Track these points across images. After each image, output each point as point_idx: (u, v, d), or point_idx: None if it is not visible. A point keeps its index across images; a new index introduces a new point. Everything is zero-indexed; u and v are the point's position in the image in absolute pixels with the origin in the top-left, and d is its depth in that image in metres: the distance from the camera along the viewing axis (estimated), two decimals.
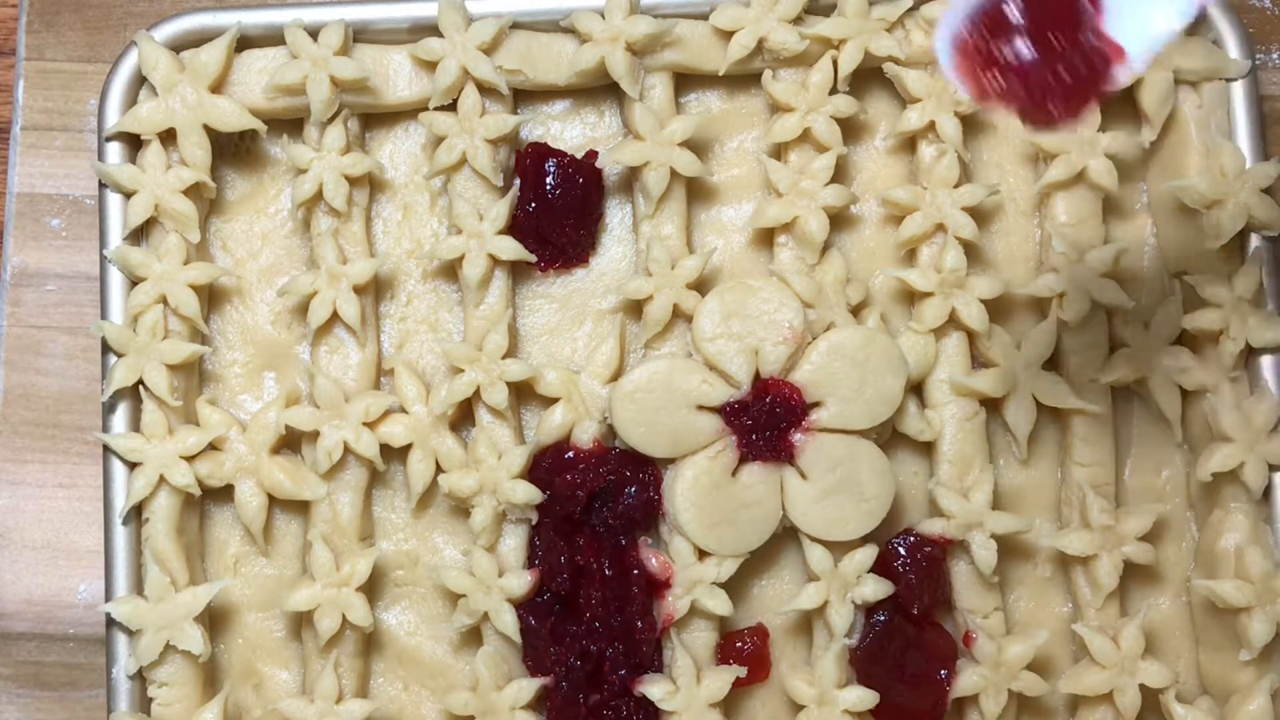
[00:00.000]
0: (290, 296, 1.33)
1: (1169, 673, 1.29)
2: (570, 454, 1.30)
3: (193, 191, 1.32)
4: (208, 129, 1.32)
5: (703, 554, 1.28)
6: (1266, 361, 1.31)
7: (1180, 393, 1.33)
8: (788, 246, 1.34)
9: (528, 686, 1.28)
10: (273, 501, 1.32)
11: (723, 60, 1.33)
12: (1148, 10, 1.02)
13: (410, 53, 1.34)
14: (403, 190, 1.38)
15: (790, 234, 1.33)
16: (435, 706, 1.33)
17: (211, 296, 1.36)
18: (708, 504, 1.27)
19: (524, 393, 1.34)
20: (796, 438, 1.27)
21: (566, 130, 1.39)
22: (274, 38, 1.34)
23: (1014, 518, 1.29)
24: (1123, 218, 1.38)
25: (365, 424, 1.30)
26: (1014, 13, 1.01)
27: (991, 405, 1.33)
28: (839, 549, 1.28)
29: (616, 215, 1.38)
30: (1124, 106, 1.36)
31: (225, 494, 1.32)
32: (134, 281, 1.32)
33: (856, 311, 1.32)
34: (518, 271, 1.36)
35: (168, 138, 1.32)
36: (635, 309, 1.34)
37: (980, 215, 1.34)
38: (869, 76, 1.36)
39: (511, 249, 1.32)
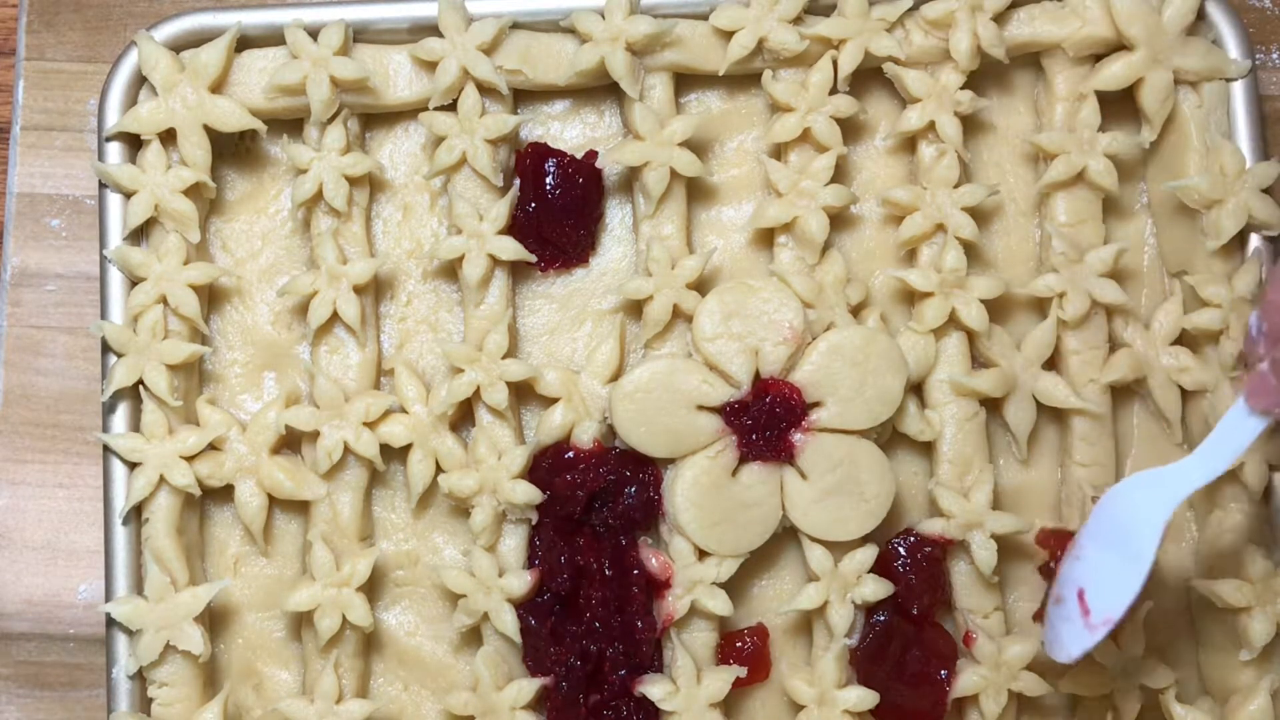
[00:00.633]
0: (290, 296, 1.33)
1: (1169, 673, 1.29)
2: (570, 454, 1.30)
3: (193, 191, 1.32)
4: (208, 129, 1.32)
5: (703, 554, 1.28)
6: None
7: (1180, 393, 1.33)
8: (788, 246, 1.34)
9: (528, 686, 1.28)
10: (273, 501, 1.32)
11: (723, 60, 1.33)
12: None
13: (410, 53, 1.34)
14: (403, 190, 1.38)
15: (790, 234, 1.33)
16: (435, 706, 1.33)
17: (211, 296, 1.36)
18: (708, 504, 1.27)
19: (524, 393, 1.34)
20: (796, 438, 1.27)
21: (566, 130, 1.39)
22: (274, 38, 1.34)
23: (1014, 518, 1.29)
24: (1123, 218, 1.38)
25: (365, 424, 1.30)
26: None
27: (991, 405, 1.33)
28: (839, 549, 1.28)
29: (616, 215, 1.38)
30: (1124, 106, 1.36)
31: (225, 494, 1.32)
32: (134, 281, 1.32)
33: (856, 311, 1.32)
34: (518, 271, 1.36)
35: (168, 138, 1.32)
36: (635, 309, 1.34)
37: (980, 215, 1.34)
38: (869, 76, 1.36)
39: (511, 249, 1.32)
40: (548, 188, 1.34)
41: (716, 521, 1.27)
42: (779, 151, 1.36)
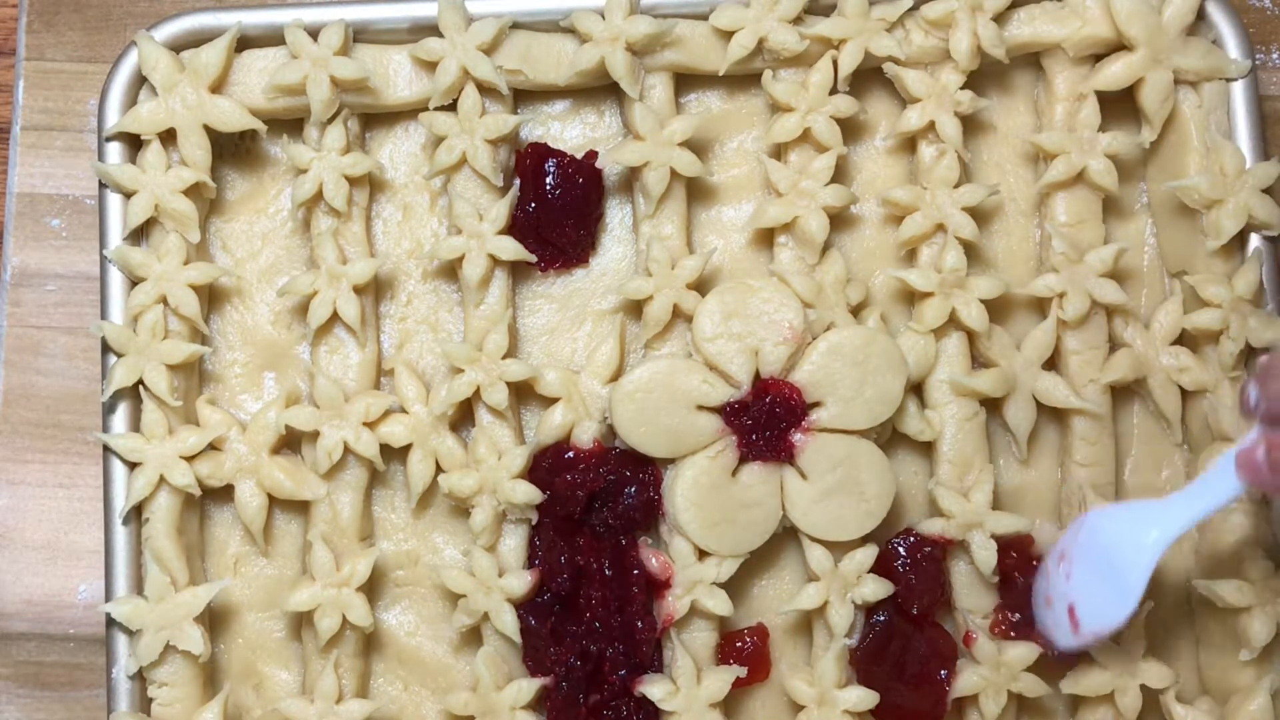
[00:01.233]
0: (290, 296, 1.33)
1: (1169, 673, 1.29)
2: (570, 454, 1.30)
3: (193, 191, 1.32)
4: (208, 129, 1.32)
5: (703, 554, 1.28)
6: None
7: (1180, 393, 1.33)
8: (788, 246, 1.34)
9: (528, 686, 1.28)
10: (273, 501, 1.32)
11: (723, 60, 1.33)
12: None
13: (410, 53, 1.34)
14: (403, 190, 1.38)
15: (790, 234, 1.33)
16: (435, 706, 1.33)
17: (211, 296, 1.36)
18: (708, 504, 1.27)
19: (524, 393, 1.34)
20: (796, 438, 1.27)
21: (566, 130, 1.39)
22: (274, 38, 1.34)
23: (1014, 518, 1.29)
24: (1123, 218, 1.38)
25: (365, 424, 1.30)
26: None
27: (991, 405, 1.33)
28: (839, 549, 1.28)
29: (616, 215, 1.38)
30: (1124, 106, 1.36)
31: (225, 494, 1.32)
32: (134, 281, 1.32)
33: (856, 311, 1.32)
34: (518, 271, 1.36)
35: (168, 138, 1.32)
36: (635, 309, 1.34)
37: (980, 215, 1.34)
38: (869, 76, 1.36)
39: (511, 249, 1.32)
40: (548, 188, 1.34)
41: (716, 521, 1.27)
42: (779, 151, 1.36)
